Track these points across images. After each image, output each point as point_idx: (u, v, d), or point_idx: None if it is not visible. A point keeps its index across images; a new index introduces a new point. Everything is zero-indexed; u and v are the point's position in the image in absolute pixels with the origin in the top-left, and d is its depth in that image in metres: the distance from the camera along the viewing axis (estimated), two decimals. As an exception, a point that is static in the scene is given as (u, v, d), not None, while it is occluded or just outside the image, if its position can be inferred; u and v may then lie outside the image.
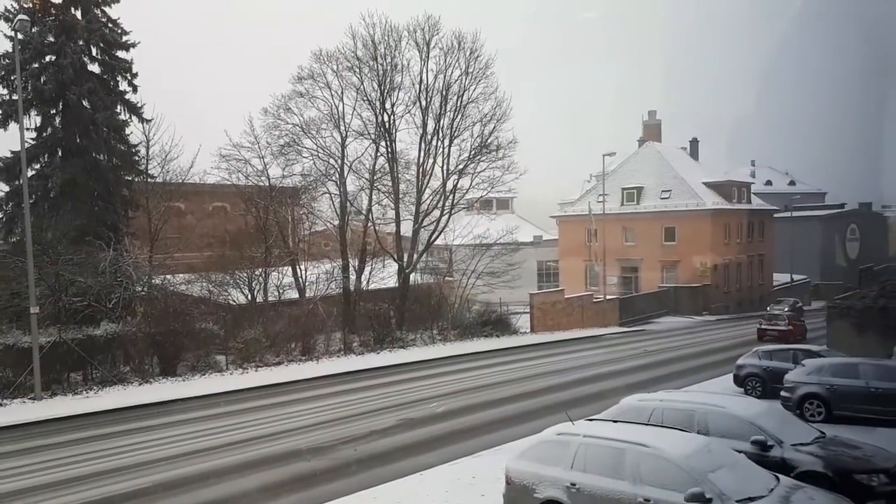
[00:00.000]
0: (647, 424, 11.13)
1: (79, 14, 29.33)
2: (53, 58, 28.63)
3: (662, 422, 11.44)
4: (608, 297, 44.58)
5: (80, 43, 29.03)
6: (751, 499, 8.66)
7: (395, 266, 36.47)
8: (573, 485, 9.71)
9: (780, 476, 9.64)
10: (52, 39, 28.61)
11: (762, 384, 20.00)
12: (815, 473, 10.51)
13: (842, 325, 24.60)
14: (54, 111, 29.04)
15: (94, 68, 29.99)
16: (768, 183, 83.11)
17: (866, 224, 71.49)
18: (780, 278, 60.84)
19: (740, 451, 10.23)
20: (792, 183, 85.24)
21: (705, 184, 54.68)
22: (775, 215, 62.40)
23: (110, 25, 30.11)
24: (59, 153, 29.22)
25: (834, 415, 16.34)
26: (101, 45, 29.85)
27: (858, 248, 67.90)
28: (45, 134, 29.22)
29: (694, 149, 62.17)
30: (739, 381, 20.74)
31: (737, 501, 8.49)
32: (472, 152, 36.65)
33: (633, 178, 55.40)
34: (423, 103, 35.83)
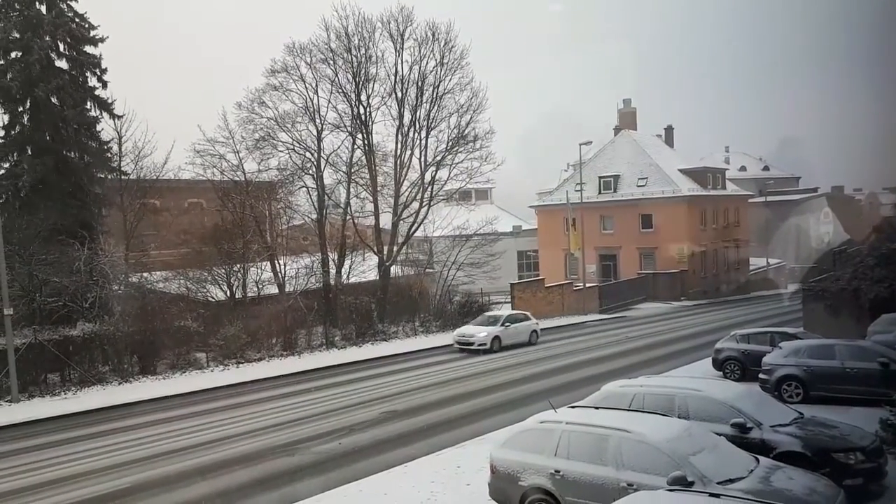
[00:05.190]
0: (628, 410, 11.23)
1: (44, 9, 28.67)
2: (19, 54, 27.99)
3: (643, 407, 11.54)
4: (588, 285, 44.84)
5: (47, 38, 28.40)
6: (731, 480, 8.77)
7: (375, 259, 36.33)
8: (557, 472, 9.77)
9: (760, 457, 9.78)
10: (17, 35, 27.97)
11: (741, 367, 20.24)
12: (793, 453, 10.66)
13: (817, 307, 24.93)
14: (22, 109, 28.42)
15: (62, 64, 29.35)
16: (742, 168, 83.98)
17: (839, 208, 72.59)
18: (756, 262, 61.64)
19: (720, 434, 10.36)
20: (766, 168, 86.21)
21: (681, 171, 55.08)
22: (750, 200, 63.10)
23: (77, 20, 29.48)
24: (29, 151, 28.64)
25: (811, 395, 16.60)
26: (69, 40, 29.22)
27: (832, 231, 68.96)
28: (13, 132, 28.61)
29: (669, 136, 62.55)
30: (718, 364, 20.97)
31: (718, 483, 8.59)
32: (450, 143, 36.57)
33: (610, 167, 55.65)
34: (399, 95, 35.66)
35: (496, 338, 29.05)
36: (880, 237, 26.07)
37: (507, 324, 29.86)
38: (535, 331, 31.17)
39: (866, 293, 22.84)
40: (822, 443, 10.96)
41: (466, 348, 29.01)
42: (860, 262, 24.77)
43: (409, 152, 36.27)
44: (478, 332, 29.35)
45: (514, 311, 32.79)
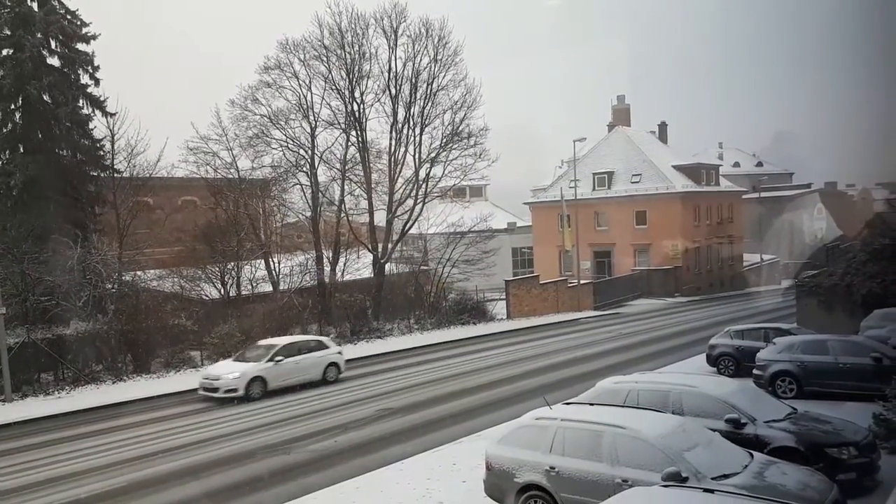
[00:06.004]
0: (623, 406, 11.26)
1: (35, 6, 28.53)
2: (11, 51, 27.84)
3: (638, 403, 11.56)
4: (582, 281, 44.93)
5: (39, 35, 28.25)
6: (725, 475, 8.79)
7: (370, 257, 36.32)
8: (552, 468, 9.79)
9: (754, 452, 9.81)
10: (8, 32, 27.82)
11: (735, 363, 20.30)
12: (787, 448, 10.70)
13: (810, 302, 25.04)
14: (14, 106, 28.28)
15: (54, 61, 29.22)
16: (736, 164, 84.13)
17: (832, 203, 72.87)
18: (750, 258, 61.86)
19: (714, 430, 10.38)
20: (759, 164, 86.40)
21: (675, 167, 55.16)
22: (744, 197, 63.31)
23: (69, 17, 29.35)
24: (21, 149, 28.50)
25: (804, 391, 16.65)
26: (61, 37, 29.10)
27: (825, 227, 69.24)
28: (4, 130, 28.48)
29: (662, 132, 62.62)
30: (712, 360, 21.02)
31: (712, 479, 8.61)
32: (444, 140, 36.56)
33: (604, 163, 55.69)
34: (393, 91, 35.64)
35: (256, 379, 20.45)
36: (873, 233, 26.23)
37: (280, 357, 21.13)
38: (334, 363, 22.66)
39: (859, 289, 22.95)
40: (816, 438, 11.01)
41: (211, 396, 20.50)
42: (853, 258, 24.91)
43: (403, 149, 36.29)
44: (226, 373, 20.64)
45: (301, 338, 24.02)
